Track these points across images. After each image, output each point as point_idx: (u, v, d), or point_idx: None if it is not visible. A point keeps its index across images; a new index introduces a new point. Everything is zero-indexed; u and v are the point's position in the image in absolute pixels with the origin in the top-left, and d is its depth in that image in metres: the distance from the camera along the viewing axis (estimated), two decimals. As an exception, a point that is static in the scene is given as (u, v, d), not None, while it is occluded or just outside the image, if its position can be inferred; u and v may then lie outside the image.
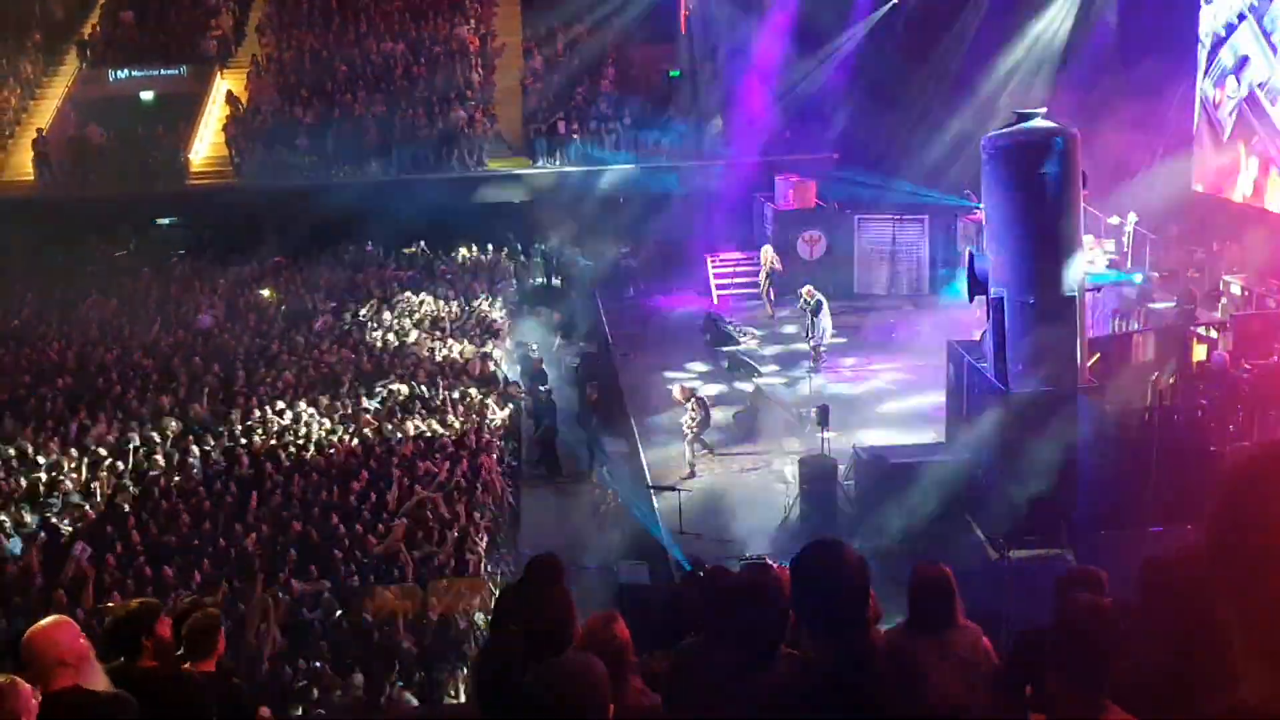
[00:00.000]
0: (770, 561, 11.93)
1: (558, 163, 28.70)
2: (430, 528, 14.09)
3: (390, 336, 21.43)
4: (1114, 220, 21.31)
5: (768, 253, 24.09)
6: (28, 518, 14.48)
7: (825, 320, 20.29)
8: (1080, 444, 13.25)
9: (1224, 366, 15.10)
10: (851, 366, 20.52)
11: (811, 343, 20.35)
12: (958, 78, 25.18)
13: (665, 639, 5.44)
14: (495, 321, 22.86)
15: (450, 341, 21.29)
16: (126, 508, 14.73)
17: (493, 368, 20.06)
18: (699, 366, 21.39)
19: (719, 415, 17.79)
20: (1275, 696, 1.65)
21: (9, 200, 28.31)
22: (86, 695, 4.18)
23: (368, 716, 10.17)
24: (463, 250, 27.63)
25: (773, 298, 23.81)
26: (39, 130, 28.98)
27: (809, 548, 3.32)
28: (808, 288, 20.69)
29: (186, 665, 5.19)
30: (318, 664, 11.01)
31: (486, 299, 24.19)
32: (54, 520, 14.51)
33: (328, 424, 17.53)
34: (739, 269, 25.62)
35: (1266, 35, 19.79)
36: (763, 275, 24.09)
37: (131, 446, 16.52)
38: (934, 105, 25.14)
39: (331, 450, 16.51)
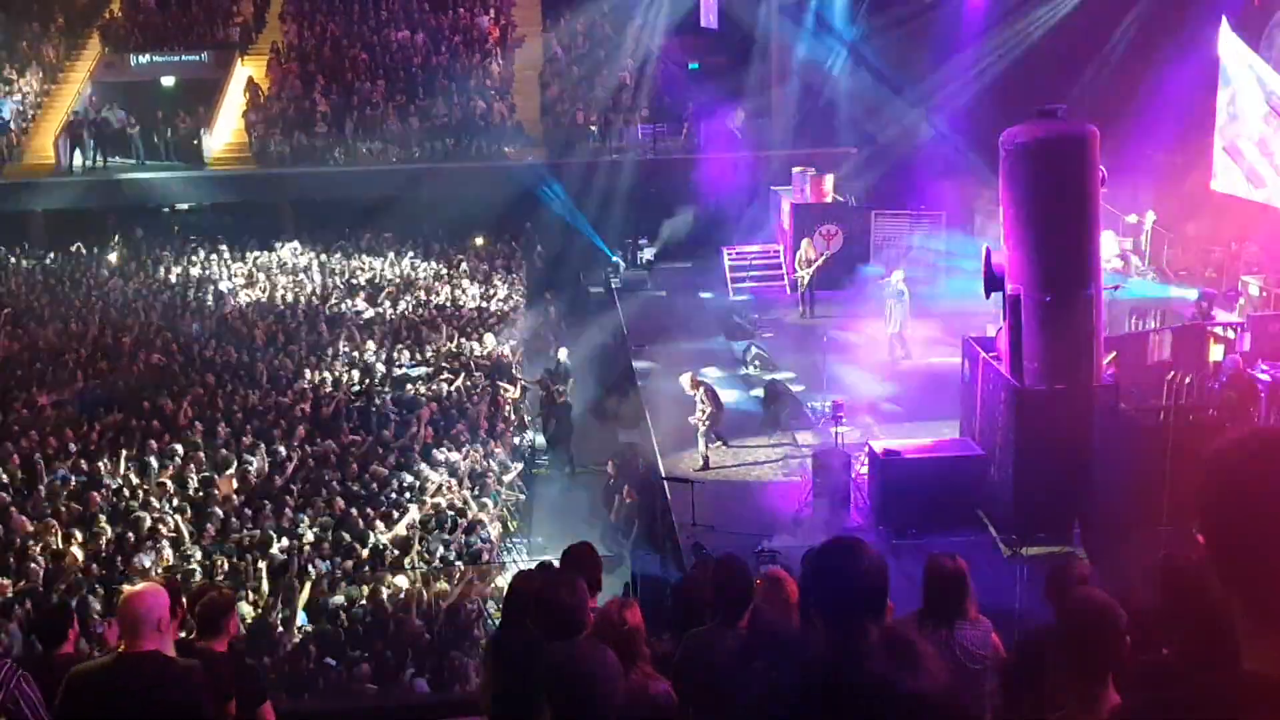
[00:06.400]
0: (779, 556, 11.98)
1: (573, 153, 28.73)
2: (443, 515, 14.19)
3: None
4: (1132, 219, 21.23)
5: (807, 247, 22.99)
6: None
7: (906, 310, 20.10)
8: (1094, 442, 13.23)
9: (1237, 367, 15.02)
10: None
11: (890, 330, 20.23)
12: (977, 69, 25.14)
13: (677, 626, 5.49)
14: (510, 311, 22.96)
15: (467, 330, 21.42)
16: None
17: (507, 356, 20.16)
18: (715, 359, 21.40)
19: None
20: (1275, 664, 1.73)
21: (31, 183, 28.51)
22: (168, 660, 4.43)
23: (381, 703, 10.24)
24: (479, 239, 27.72)
25: (812, 293, 22.88)
26: (74, 113, 29.18)
27: (828, 545, 3.34)
28: (898, 274, 20.38)
29: (200, 644, 5.30)
30: (330, 660, 11.07)
31: (503, 287, 24.28)
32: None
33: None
34: (756, 262, 25.60)
35: None
36: (804, 277, 22.82)
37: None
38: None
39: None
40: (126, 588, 4.66)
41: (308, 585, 12.34)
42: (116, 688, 4.26)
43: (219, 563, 12.73)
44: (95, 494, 14.51)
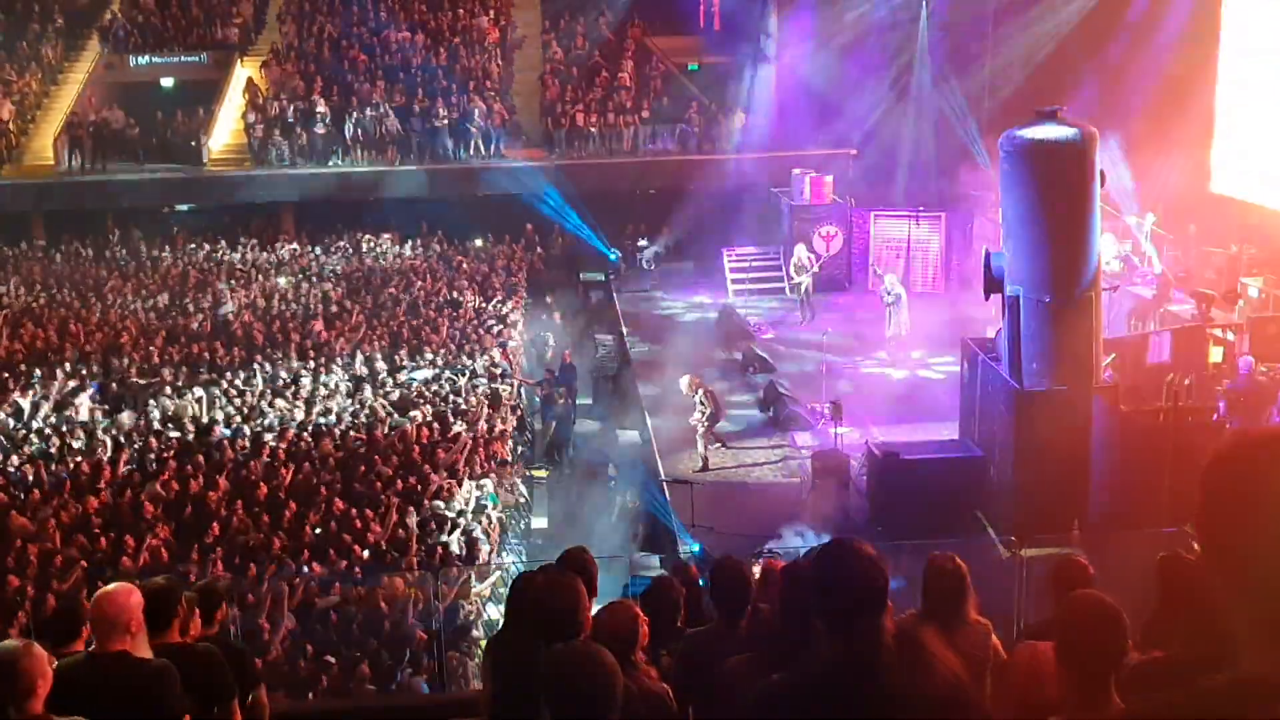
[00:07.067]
0: (780, 558, 11.96)
1: (576, 154, 28.70)
2: (441, 515, 14.16)
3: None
4: (1132, 220, 21.21)
5: (801, 254, 23.06)
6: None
7: (904, 312, 20.23)
8: (1094, 443, 13.22)
9: (1250, 370, 14.97)
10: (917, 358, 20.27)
11: (890, 333, 20.28)
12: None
13: (676, 628, 5.48)
14: (510, 312, 22.93)
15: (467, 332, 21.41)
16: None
17: (508, 358, 20.14)
18: (713, 360, 21.35)
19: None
20: (1273, 666, 1.72)
21: (30, 184, 28.49)
22: (137, 661, 4.44)
23: (379, 703, 10.24)
24: (478, 240, 27.70)
25: (810, 299, 22.93)
26: (74, 113, 29.15)
27: (827, 546, 3.33)
28: (891, 277, 20.59)
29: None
30: (329, 657, 11.05)
31: (501, 289, 24.26)
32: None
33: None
34: (755, 264, 25.57)
35: None
36: (801, 283, 22.85)
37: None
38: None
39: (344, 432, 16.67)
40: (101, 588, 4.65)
41: (300, 586, 12.32)
42: (84, 686, 4.27)
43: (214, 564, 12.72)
44: (92, 497, 14.50)
